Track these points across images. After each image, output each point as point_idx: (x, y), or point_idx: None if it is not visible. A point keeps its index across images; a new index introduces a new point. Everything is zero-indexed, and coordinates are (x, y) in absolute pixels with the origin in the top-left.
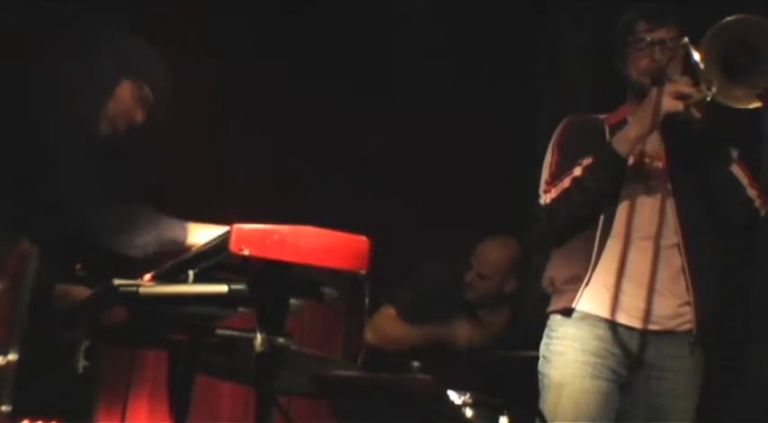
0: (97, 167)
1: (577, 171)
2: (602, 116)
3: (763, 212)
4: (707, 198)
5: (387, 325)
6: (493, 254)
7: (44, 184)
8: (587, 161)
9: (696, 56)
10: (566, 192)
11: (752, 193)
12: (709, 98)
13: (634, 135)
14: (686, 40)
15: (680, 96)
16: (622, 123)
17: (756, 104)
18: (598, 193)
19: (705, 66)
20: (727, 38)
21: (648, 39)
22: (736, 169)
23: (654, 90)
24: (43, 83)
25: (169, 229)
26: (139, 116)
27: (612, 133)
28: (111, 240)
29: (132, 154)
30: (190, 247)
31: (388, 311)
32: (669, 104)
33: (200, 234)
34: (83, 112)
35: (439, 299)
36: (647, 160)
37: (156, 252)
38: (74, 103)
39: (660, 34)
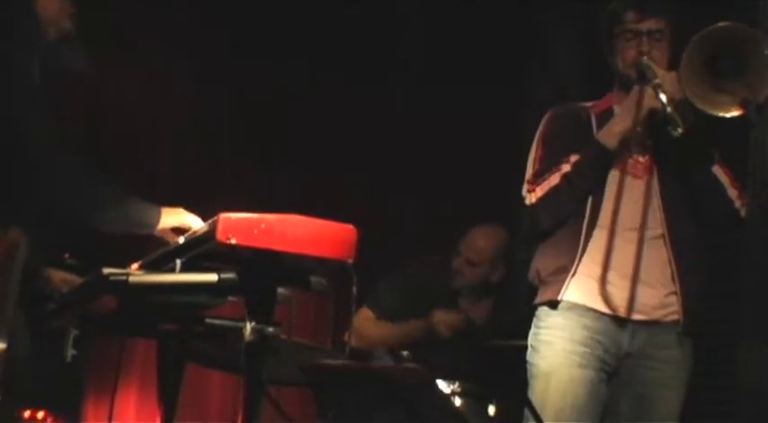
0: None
1: (566, 167)
2: (588, 104)
3: (743, 212)
4: (689, 195)
5: (367, 327)
6: (482, 240)
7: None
8: (575, 158)
9: (663, 97)
10: (554, 189)
11: (732, 193)
12: (686, 98)
13: (619, 129)
14: (658, 81)
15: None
16: (608, 111)
17: (738, 112)
18: (587, 189)
19: (689, 72)
20: (712, 45)
21: (636, 29)
22: (717, 170)
23: (636, 88)
24: None
25: (139, 210)
26: (67, 21)
27: (598, 122)
28: (76, 210)
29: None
30: (162, 232)
31: (366, 313)
32: (651, 102)
33: (173, 218)
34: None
35: (419, 294)
36: (633, 154)
37: (124, 232)
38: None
39: (648, 24)
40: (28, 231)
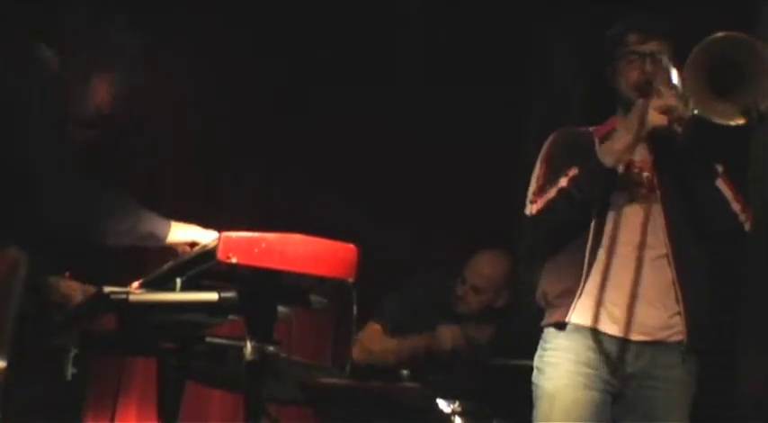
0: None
1: (563, 182)
2: (591, 128)
3: (747, 226)
4: (693, 210)
5: (372, 341)
6: (487, 267)
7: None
8: (573, 172)
9: (675, 77)
10: (552, 202)
11: (736, 207)
12: (691, 113)
13: (619, 146)
14: (666, 58)
15: (666, 111)
16: (611, 135)
17: (740, 121)
18: (584, 204)
19: (691, 81)
20: (713, 54)
21: (639, 51)
22: (721, 183)
23: (640, 101)
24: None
25: (149, 222)
26: (108, 108)
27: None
28: (82, 225)
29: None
30: (170, 246)
31: (374, 328)
32: (655, 118)
33: (182, 232)
34: (56, 113)
35: (426, 312)
36: (635, 171)
37: (133, 244)
38: (47, 104)
39: (651, 46)
40: (28, 249)
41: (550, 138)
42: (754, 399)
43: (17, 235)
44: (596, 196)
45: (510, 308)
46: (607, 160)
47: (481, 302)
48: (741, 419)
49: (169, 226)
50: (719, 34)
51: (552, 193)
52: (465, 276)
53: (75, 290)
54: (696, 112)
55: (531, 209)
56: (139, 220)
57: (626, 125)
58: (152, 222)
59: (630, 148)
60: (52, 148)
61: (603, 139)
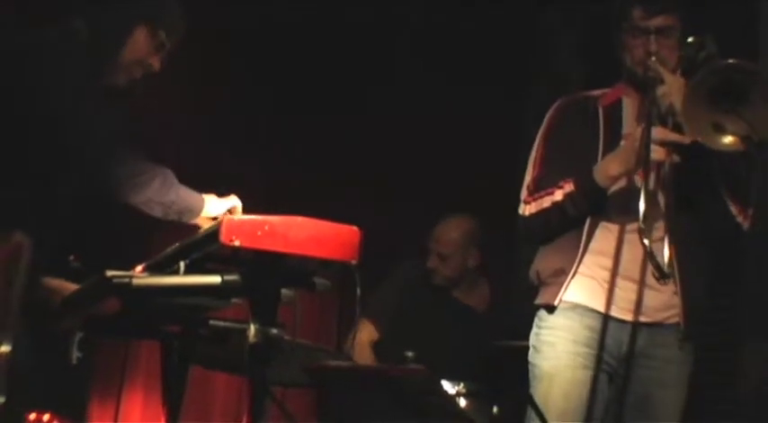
0: (115, 122)
1: (559, 195)
2: (597, 93)
3: (746, 226)
4: (692, 208)
5: (366, 351)
6: (446, 233)
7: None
8: (569, 187)
9: (675, 105)
10: (545, 212)
11: (734, 208)
12: (690, 142)
13: (617, 173)
14: (662, 87)
15: (664, 143)
16: (616, 105)
17: (739, 147)
18: (579, 217)
19: (692, 108)
20: (716, 80)
21: (644, 26)
22: (720, 187)
23: (638, 131)
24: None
25: (188, 196)
26: (156, 63)
27: (605, 116)
28: (129, 193)
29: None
30: (198, 223)
31: (367, 326)
32: (655, 153)
33: (212, 205)
34: (95, 66)
35: (415, 298)
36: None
37: (171, 218)
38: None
39: (656, 22)
40: (32, 234)
41: (552, 108)
42: (754, 386)
43: (24, 217)
44: (589, 211)
45: (505, 280)
46: (603, 182)
47: (451, 267)
48: (741, 405)
49: (203, 200)
50: (725, 61)
51: (546, 202)
52: (430, 248)
53: (58, 289)
54: (695, 139)
55: (524, 209)
56: (180, 194)
57: (624, 153)
58: (190, 196)
59: (627, 174)
60: (84, 110)
61: (608, 110)
